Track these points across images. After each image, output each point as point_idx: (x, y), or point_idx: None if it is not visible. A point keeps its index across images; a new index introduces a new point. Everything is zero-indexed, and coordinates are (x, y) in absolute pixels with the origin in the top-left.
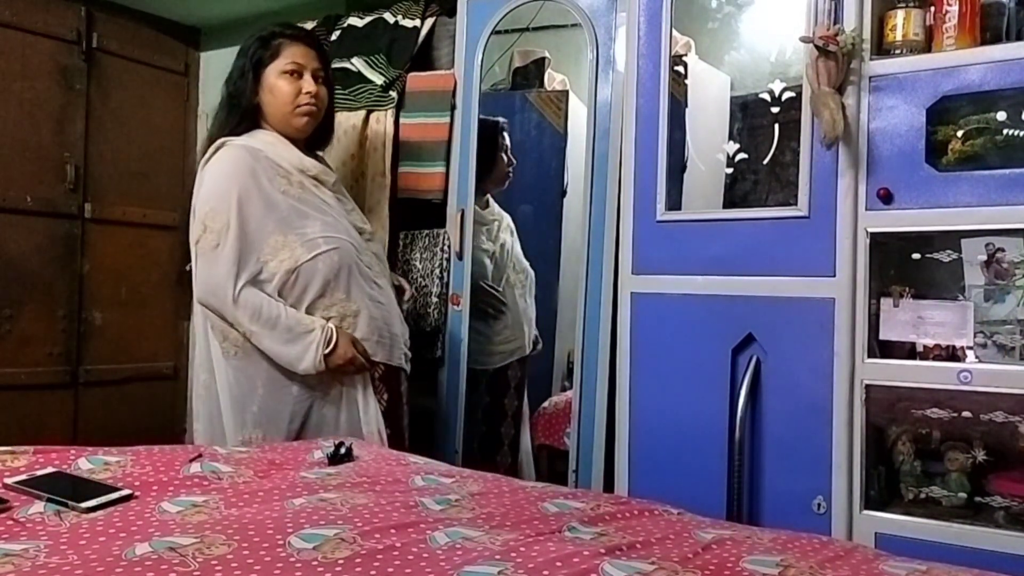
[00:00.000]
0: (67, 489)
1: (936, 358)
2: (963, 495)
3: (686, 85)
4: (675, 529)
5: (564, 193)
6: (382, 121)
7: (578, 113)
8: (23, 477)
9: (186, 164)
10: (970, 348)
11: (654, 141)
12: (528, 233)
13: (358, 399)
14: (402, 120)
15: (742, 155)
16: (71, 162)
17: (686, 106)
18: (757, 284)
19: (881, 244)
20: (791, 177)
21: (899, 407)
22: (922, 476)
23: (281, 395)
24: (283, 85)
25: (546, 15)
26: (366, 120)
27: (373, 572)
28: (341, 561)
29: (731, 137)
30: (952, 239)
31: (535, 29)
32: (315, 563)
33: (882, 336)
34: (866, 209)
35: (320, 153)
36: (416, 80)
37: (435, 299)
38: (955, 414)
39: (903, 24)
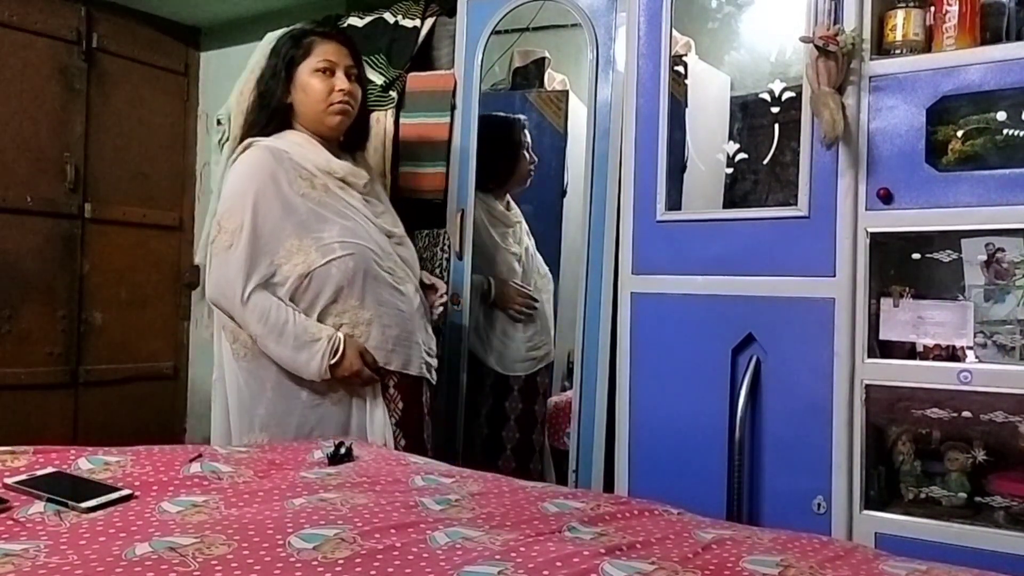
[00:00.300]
0: (67, 489)
1: (936, 358)
2: (963, 495)
3: (686, 85)
4: (675, 529)
5: (564, 193)
6: (382, 121)
7: (578, 113)
8: (23, 477)
9: (186, 164)
10: (970, 348)
11: (654, 141)
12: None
13: (366, 407)
14: (402, 120)
15: (742, 155)
16: (71, 162)
17: (686, 106)
18: (757, 284)
19: (881, 244)
20: (791, 177)
21: (899, 407)
22: (922, 476)
23: (290, 400)
24: (316, 83)
25: (546, 15)
26: None
27: (373, 572)
28: (341, 561)
29: (731, 137)
30: (952, 239)
31: (535, 29)
32: (315, 563)
33: (882, 336)
34: (866, 209)
35: (359, 154)
36: (416, 80)
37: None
38: (955, 414)
39: (903, 24)
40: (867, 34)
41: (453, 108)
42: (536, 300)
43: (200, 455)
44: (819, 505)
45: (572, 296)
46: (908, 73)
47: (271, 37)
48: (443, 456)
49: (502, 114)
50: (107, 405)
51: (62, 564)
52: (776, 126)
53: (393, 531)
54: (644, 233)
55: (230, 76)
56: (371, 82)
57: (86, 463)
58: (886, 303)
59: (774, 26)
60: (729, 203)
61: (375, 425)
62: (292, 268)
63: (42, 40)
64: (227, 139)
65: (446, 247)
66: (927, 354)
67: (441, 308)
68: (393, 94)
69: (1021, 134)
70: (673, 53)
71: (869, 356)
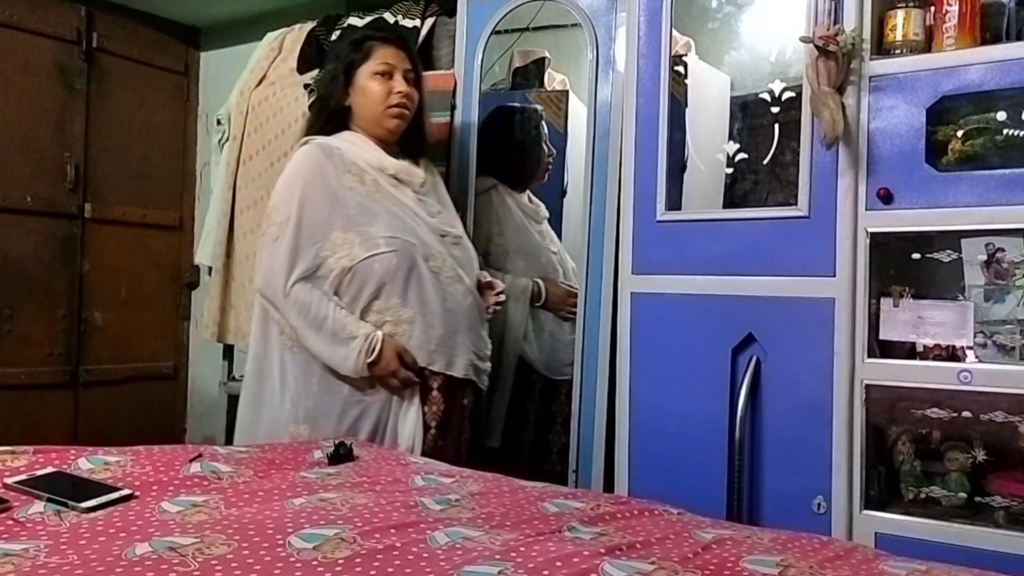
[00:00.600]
0: (67, 489)
1: (936, 358)
2: (963, 495)
3: (686, 85)
4: (675, 529)
5: (564, 193)
6: None
7: (578, 113)
8: (23, 477)
9: (186, 164)
10: (970, 348)
11: (654, 141)
12: None
13: (401, 406)
14: None
15: (742, 155)
16: (71, 162)
17: (686, 106)
18: (757, 284)
19: (881, 244)
20: (791, 177)
21: (899, 407)
22: (922, 476)
23: (333, 394)
24: (374, 86)
25: (546, 15)
26: None
27: (373, 572)
28: (341, 561)
29: (731, 137)
30: (952, 239)
31: (535, 29)
32: (315, 563)
33: (882, 336)
34: (866, 209)
35: (422, 160)
36: None
37: None
38: (955, 414)
39: (903, 24)
40: (867, 34)
41: (453, 108)
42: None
43: (200, 455)
44: (819, 505)
45: None
46: (908, 73)
47: (271, 37)
48: (477, 461)
49: (519, 104)
50: (107, 405)
51: (62, 564)
52: (776, 126)
53: (393, 531)
54: (644, 233)
55: (230, 76)
56: None
57: (86, 463)
58: (886, 303)
59: (774, 26)
60: (729, 203)
61: (407, 425)
62: (336, 261)
63: (42, 40)
64: (227, 139)
65: None
66: (927, 354)
67: (497, 307)
68: None
69: (1021, 134)
70: (673, 53)
71: (869, 356)
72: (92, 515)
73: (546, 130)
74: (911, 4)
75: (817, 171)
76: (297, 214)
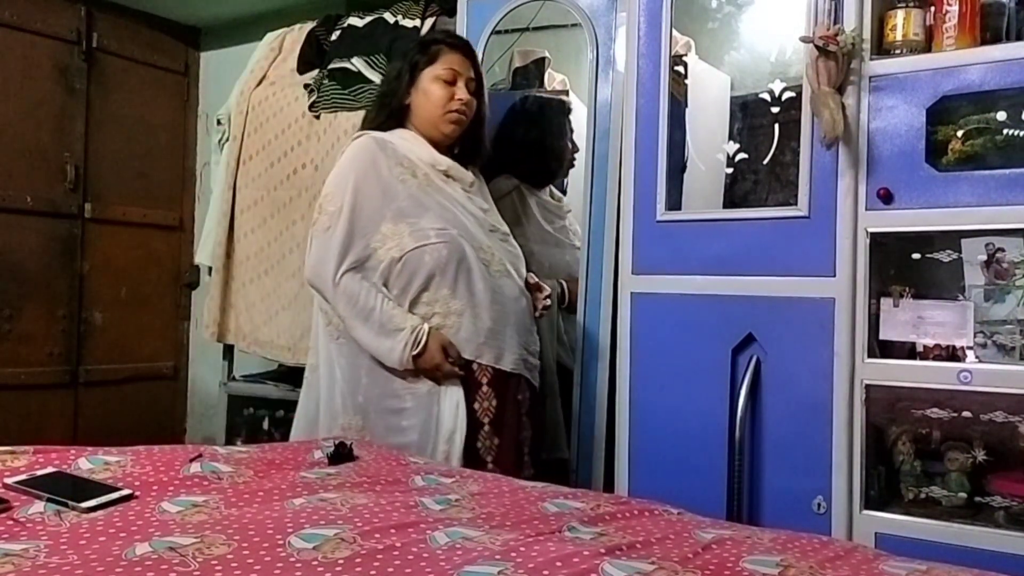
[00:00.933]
0: (67, 489)
1: (936, 358)
2: (963, 495)
3: (686, 85)
4: (675, 529)
5: (564, 193)
6: None
7: (578, 113)
8: (23, 477)
9: (186, 164)
10: (970, 348)
11: (654, 141)
12: None
13: (446, 400)
14: None
15: (742, 155)
16: (71, 162)
17: (686, 106)
18: (757, 284)
19: (881, 244)
20: (791, 177)
21: (899, 407)
22: (922, 476)
23: (383, 385)
24: (437, 90)
25: (546, 15)
26: None
27: (373, 572)
28: (341, 561)
29: (731, 137)
30: (952, 239)
31: (535, 29)
32: (315, 563)
33: (882, 336)
34: (866, 209)
35: (470, 167)
36: None
37: None
38: (955, 414)
39: (903, 24)
40: (867, 34)
41: None
42: None
43: (200, 455)
44: (819, 505)
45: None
46: (908, 73)
47: (271, 37)
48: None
49: (546, 95)
50: (107, 405)
51: (62, 564)
52: (776, 126)
53: (393, 531)
54: (644, 233)
55: (230, 76)
56: (371, 82)
57: (86, 463)
58: (886, 303)
59: (774, 26)
60: (729, 203)
61: (444, 420)
62: (386, 252)
63: (42, 40)
64: (227, 139)
65: None
66: (927, 354)
67: (545, 311)
68: None
69: (1021, 134)
70: (673, 53)
71: (869, 356)
72: (92, 515)
73: (573, 125)
74: (911, 4)
75: (817, 171)
76: (350, 204)
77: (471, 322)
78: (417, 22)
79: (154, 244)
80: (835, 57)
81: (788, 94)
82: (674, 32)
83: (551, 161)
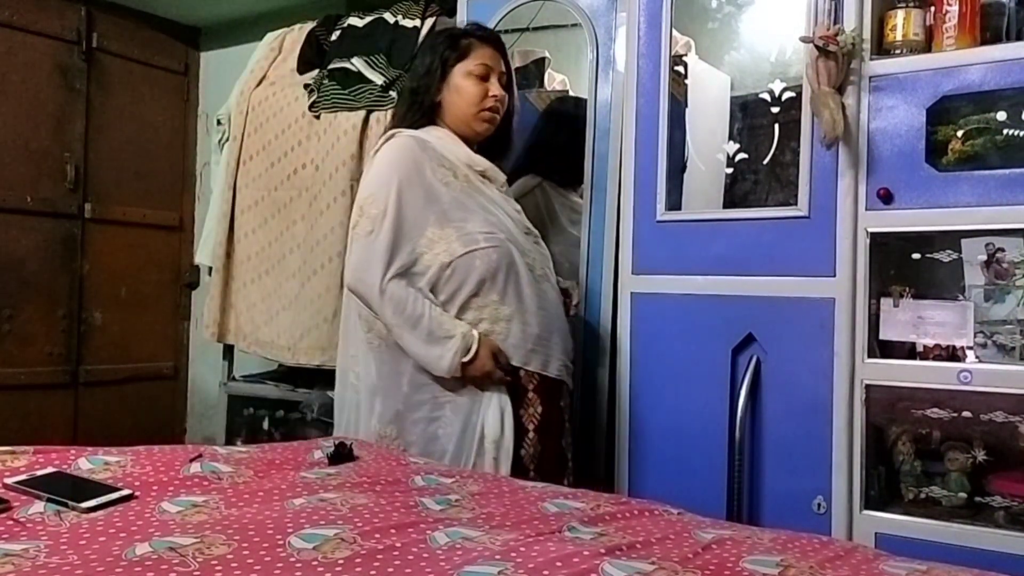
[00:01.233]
0: (67, 489)
1: (936, 358)
2: (963, 495)
3: (686, 85)
4: (675, 529)
5: None
6: (382, 121)
7: None
8: (23, 477)
9: (186, 164)
10: (970, 348)
11: (654, 141)
12: None
13: (490, 408)
14: None
15: (742, 155)
16: (71, 162)
17: (686, 106)
18: (757, 284)
19: (881, 244)
20: (791, 177)
21: (899, 407)
22: (922, 476)
23: (422, 393)
24: (469, 86)
25: (546, 15)
26: (366, 120)
27: (373, 572)
28: (341, 561)
29: (731, 137)
30: (952, 239)
31: (535, 29)
32: (315, 563)
33: (882, 336)
34: (866, 209)
35: (499, 163)
36: None
37: None
38: (955, 414)
39: (903, 24)
40: (867, 34)
41: None
42: None
43: (200, 455)
44: (819, 505)
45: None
46: (908, 73)
47: (271, 37)
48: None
49: (572, 94)
50: (107, 405)
51: (62, 564)
52: (776, 126)
53: (393, 531)
54: (644, 233)
55: (230, 76)
56: (371, 82)
57: (86, 463)
58: (886, 303)
59: (774, 26)
60: (729, 203)
61: (489, 427)
62: (434, 257)
63: (42, 40)
64: (227, 139)
65: None
66: (927, 354)
67: (574, 315)
68: (393, 94)
69: (1021, 134)
70: (673, 53)
71: (869, 356)
72: (92, 515)
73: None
74: (911, 4)
75: (817, 171)
76: (394, 207)
77: (520, 328)
78: (417, 22)
79: (154, 244)
80: (835, 57)
81: (788, 94)
82: (674, 32)
83: (581, 162)
